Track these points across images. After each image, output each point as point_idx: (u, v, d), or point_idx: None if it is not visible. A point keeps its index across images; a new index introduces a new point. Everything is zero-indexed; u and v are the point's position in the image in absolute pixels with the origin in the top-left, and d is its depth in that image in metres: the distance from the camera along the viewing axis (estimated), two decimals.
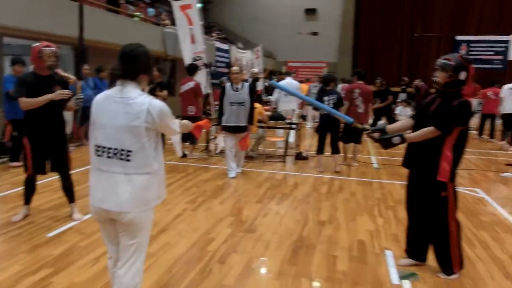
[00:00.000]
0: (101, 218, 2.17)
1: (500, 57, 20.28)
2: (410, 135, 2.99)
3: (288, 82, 9.26)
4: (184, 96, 7.25)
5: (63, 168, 4.02)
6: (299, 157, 7.50)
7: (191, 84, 7.19)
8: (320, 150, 6.60)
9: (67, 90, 3.86)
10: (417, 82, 15.97)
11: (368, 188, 5.67)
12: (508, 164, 7.42)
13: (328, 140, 6.59)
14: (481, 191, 5.56)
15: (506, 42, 20.21)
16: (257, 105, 6.70)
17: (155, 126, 2.07)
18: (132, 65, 2.08)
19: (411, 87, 16.08)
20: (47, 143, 3.86)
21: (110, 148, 2.05)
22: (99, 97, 2.15)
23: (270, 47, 23.48)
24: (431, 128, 2.86)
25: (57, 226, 3.85)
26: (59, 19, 8.37)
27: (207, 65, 9.47)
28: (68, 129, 7.80)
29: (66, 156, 4.03)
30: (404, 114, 13.59)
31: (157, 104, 2.07)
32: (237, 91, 5.95)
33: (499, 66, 20.44)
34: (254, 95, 6.27)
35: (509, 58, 19.97)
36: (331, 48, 24.26)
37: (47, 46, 3.80)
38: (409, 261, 3.25)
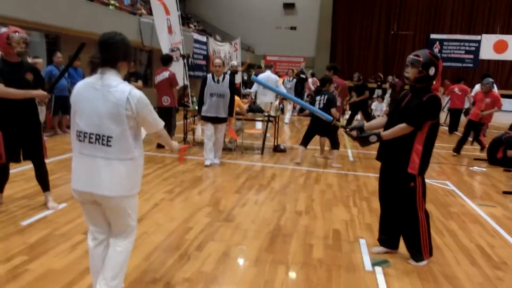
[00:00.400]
0: (84, 200, 2.22)
1: (471, 56, 20.90)
2: (385, 133, 3.11)
3: (267, 75, 9.34)
4: (159, 86, 7.20)
5: (37, 156, 3.92)
6: (277, 149, 7.58)
7: (165, 74, 7.15)
8: (303, 143, 6.69)
9: (45, 93, 3.71)
10: (391, 78, 16.30)
11: (344, 180, 5.80)
12: (476, 159, 7.73)
13: (317, 137, 6.85)
14: (451, 184, 5.79)
15: (477, 41, 20.85)
16: (235, 97, 6.73)
17: (134, 115, 2.10)
18: (111, 53, 2.11)
19: (386, 83, 16.41)
20: (20, 130, 3.74)
21: (91, 134, 2.09)
22: (80, 84, 2.17)
23: (248, 41, 23.46)
24: (403, 125, 2.99)
25: (31, 215, 3.78)
26: (29, 4, 8.10)
27: (184, 57, 9.39)
28: (42, 118, 7.60)
29: (40, 144, 3.92)
30: (379, 109, 13.91)
31: (137, 93, 2.10)
32: (218, 83, 5.99)
33: (470, 65, 21.07)
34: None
35: (480, 57, 20.63)
36: (309, 43, 24.44)
37: (16, 31, 3.63)
38: (382, 249, 3.38)
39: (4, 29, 3.64)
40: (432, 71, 2.98)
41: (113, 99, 2.05)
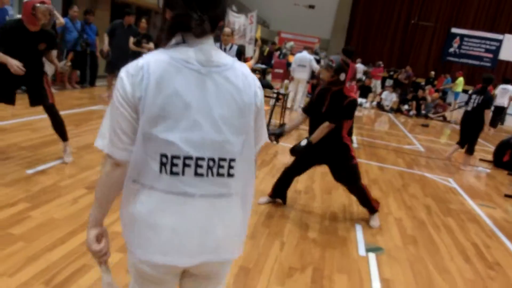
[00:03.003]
0: (158, 277, 1.21)
1: (490, 55, 20.48)
2: (314, 136, 3.47)
3: (303, 55, 9.82)
4: None
5: (45, 102, 3.84)
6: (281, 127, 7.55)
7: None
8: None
9: (18, 65, 3.50)
10: (404, 70, 16.06)
11: None
12: (482, 160, 7.70)
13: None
14: (453, 181, 5.78)
15: (498, 41, 20.40)
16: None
17: (256, 116, 1.24)
18: (221, 8, 1.15)
19: (398, 74, 16.17)
20: (20, 76, 3.58)
21: (200, 159, 1.12)
22: (159, 65, 1.09)
23: (264, 15, 23.03)
24: (325, 124, 3.42)
25: (36, 165, 3.82)
26: None
27: None
28: (51, 71, 7.59)
29: (44, 90, 3.83)
30: (389, 99, 13.77)
31: (257, 81, 1.26)
32: (225, 51, 5.99)
33: (488, 64, 20.67)
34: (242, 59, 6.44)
35: (499, 58, 20.20)
36: (326, 24, 23.96)
37: (42, 1, 3.53)
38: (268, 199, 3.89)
39: None
40: (342, 76, 3.37)
41: (237, 90, 1.16)
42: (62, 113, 5.53)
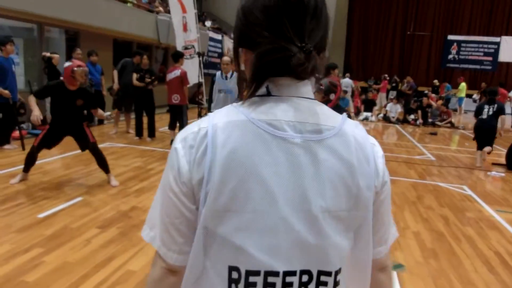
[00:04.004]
0: None
1: (489, 58, 20.51)
2: None
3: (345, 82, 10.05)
4: (170, 84, 7.24)
5: (88, 143, 4.56)
6: None
7: (177, 73, 7.18)
8: None
9: (38, 116, 4.23)
10: (408, 79, 16.11)
11: None
12: (494, 164, 7.58)
13: None
14: (467, 188, 5.68)
15: (496, 43, 20.46)
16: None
17: (378, 195, 0.82)
18: (324, 34, 0.80)
19: (401, 85, 16.23)
20: (64, 130, 4.51)
21: (290, 274, 0.73)
22: (231, 132, 0.73)
23: None
24: None
25: (47, 208, 3.83)
26: (50, 1, 8.22)
27: (200, 54, 9.43)
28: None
29: (86, 135, 4.57)
30: (394, 110, 13.76)
31: (378, 147, 0.84)
32: (226, 79, 6.09)
33: (489, 67, 20.68)
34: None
35: (499, 60, 20.24)
36: None
37: (79, 66, 4.31)
38: None
39: (68, 63, 4.34)
40: (332, 96, 3.99)
41: (354, 170, 0.76)
42: (71, 153, 5.57)
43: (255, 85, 0.76)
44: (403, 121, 13.39)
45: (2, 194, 4.10)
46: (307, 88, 0.79)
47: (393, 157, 7.68)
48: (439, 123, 13.12)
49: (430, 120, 13.25)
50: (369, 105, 13.99)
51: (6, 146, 6.06)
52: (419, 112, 13.28)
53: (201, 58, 9.52)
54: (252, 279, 0.71)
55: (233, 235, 0.71)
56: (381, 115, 14.15)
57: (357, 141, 0.77)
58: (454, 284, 2.95)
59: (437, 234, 3.92)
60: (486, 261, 3.39)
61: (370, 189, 0.77)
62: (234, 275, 0.72)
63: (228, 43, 15.99)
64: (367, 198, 0.77)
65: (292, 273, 0.73)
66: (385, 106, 14.35)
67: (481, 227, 4.20)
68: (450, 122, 13.23)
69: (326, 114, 0.78)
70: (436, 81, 17.40)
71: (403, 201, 4.90)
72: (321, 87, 3.85)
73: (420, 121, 13.15)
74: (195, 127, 0.76)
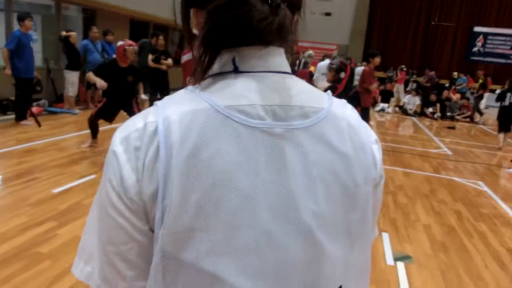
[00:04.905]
0: None
1: None
2: None
3: (325, 63, 9.80)
4: (185, 66, 7.20)
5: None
6: None
7: (191, 55, 7.13)
8: None
9: (103, 83, 4.74)
10: (427, 71, 15.82)
11: None
12: None
13: None
14: (483, 184, 5.57)
15: None
16: None
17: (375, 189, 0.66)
18: None
19: (420, 77, 15.92)
20: (118, 104, 4.97)
21: None
22: (189, 125, 0.54)
23: None
24: None
25: (62, 184, 3.91)
26: None
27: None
28: (75, 92, 7.83)
29: (133, 111, 4.89)
30: (412, 102, 13.53)
31: (371, 130, 0.68)
32: None
33: None
34: None
35: None
36: (343, 30, 23.82)
37: (131, 45, 4.78)
38: None
39: (121, 43, 4.81)
40: (342, 75, 4.20)
41: (350, 162, 0.60)
42: (86, 131, 5.66)
43: (209, 56, 0.58)
44: (421, 114, 13.15)
45: (19, 168, 4.20)
46: (282, 59, 0.61)
47: (408, 149, 7.57)
48: (457, 117, 12.85)
49: (448, 114, 12.98)
50: (386, 96, 13.76)
51: (23, 122, 6.18)
52: (438, 105, 13.01)
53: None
54: None
55: (203, 260, 0.53)
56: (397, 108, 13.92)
57: (350, 125, 0.61)
58: (463, 279, 2.92)
59: (449, 228, 3.87)
60: (498, 257, 3.33)
61: (368, 182, 0.62)
62: None
63: None
64: (366, 193, 0.61)
65: None
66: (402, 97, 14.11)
67: (494, 223, 4.13)
68: (470, 117, 12.94)
69: (310, 92, 0.62)
70: (455, 74, 16.96)
71: (416, 194, 4.84)
72: (332, 66, 4.18)
73: (438, 114, 12.90)
74: (139, 122, 0.57)
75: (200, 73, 0.59)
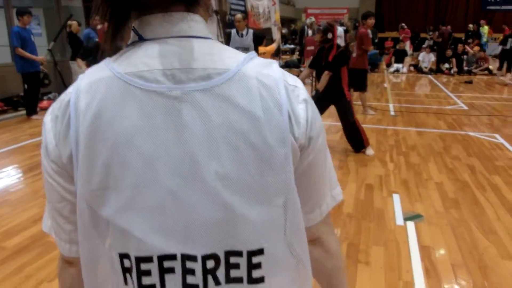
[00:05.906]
0: None
1: None
2: (319, 85, 4.49)
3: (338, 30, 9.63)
4: None
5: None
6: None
7: None
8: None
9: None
10: (440, 27, 15.24)
11: (383, 135, 5.59)
12: None
13: None
14: (499, 137, 5.40)
15: None
16: (266, 49, 6.79)
17: (306, 151, 0.63)
18: None
19: (435, 34, 15.32)
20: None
21: (190, 258, 0.58)
22: (95, 93, 0.58)
23: None
24: (325, 73, 4.39)
25: None
26: None
27: (217, 13, 9.26)
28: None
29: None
30: (426, 60, 13.09)
31: (299, 84, 0.65)
32: (242, 37, 6.11)
33: None
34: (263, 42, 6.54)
35: None
36: None
37: None
38: None
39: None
40: (329, 35, 4.38)
41: (259, 122, 0.57)
42: None
43: (112, 27, 0.59)
44: (437, 71, 12.75)
45: (31, 162, 4.31)
46: (190, 23, 0.60)
47: (423, 108, 7.38)
48: (475, 71, 12.39)
49: (465, 68, 12.53)
50: (400, 56, 13.35)
51: (34, 117, 6.32)
52: (454, 60, 12.56)
53: (218, 17, 9.35)
54: (144, 266, 0.58)
55: (116, 216, 0.57)
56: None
57: (263, 84, 0.59)
58: (473, 233, 2.87)
59: (461, 183, 3.79)
60: (511, 209, 3.25)
61: (285, 144, 0.58)
62: (126, 263, 0.59)
63: (252, 0, 15.51)
64: (282, 155, 0.58)
65: (193, 258, 0.58)
66: (417, 56, 13.66)
67: (510, 175, 4.01)
68: (488, 69, 12.45)
69: (219, 55, 0.60)
70: (471, 26, 16.23)
71: (428, 152, 4.73)
72: (319, 27, 4.50)
73: (454, 69, 12.47)
74: (63, 94, 0.62)
75: (108, 44, 0.61)
